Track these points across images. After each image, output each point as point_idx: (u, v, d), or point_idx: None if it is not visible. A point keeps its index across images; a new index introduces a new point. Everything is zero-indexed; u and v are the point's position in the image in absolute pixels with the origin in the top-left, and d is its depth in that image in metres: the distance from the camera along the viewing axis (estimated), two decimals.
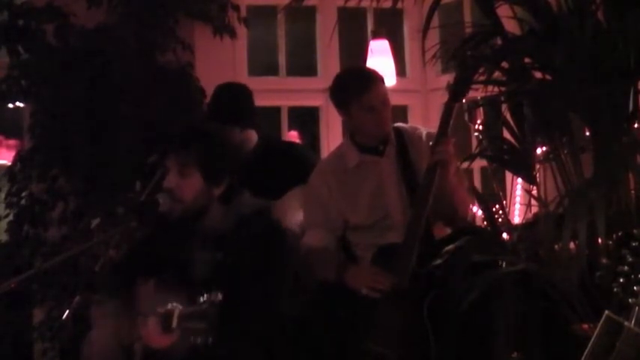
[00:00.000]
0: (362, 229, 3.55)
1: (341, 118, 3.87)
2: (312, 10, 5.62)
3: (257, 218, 3.11)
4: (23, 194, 4.87)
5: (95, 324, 3.10)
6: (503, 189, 4.17)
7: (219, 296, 2.60)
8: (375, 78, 3.56)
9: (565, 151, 3.34)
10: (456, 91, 3.44)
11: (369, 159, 3.59)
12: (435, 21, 3.64)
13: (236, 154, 3.25)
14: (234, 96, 4.08)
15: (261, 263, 3.00)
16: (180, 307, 2.65)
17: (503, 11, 3.48)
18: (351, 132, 3.68)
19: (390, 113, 3.58)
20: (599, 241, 3.03)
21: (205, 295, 2.61)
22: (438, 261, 3.20)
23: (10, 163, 5.02)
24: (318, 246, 3.53)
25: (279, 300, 3.04)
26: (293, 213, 3.76)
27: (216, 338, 2.67)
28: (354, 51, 5.54)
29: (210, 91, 4.73)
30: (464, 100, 3.53)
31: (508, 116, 3.54)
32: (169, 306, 2.67)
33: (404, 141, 3.61)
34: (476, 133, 4.00)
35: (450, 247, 3.19)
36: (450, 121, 3.43)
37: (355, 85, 3.54)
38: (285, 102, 5.62)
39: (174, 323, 2.63)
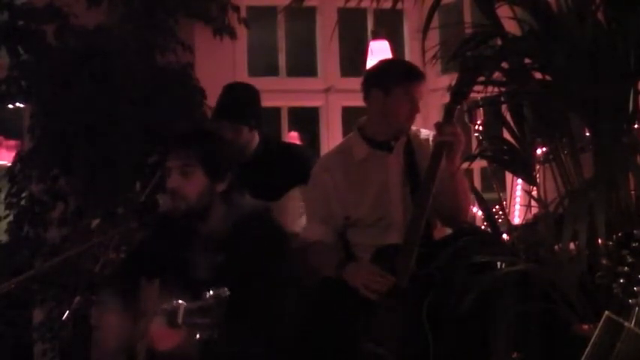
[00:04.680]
0: (362, 226, 3.55)
1: (363, 101, 3.74)
2: (312, 10, 5.63)
3: (258, 219, 3.11)
4: (23, 195, 4.88)
5: (97, 325, 3.10)
6: (504, 189, 4.17)
7: (227, 291, 2.59)
8: (424, 77, 3.63)
9: (565, 152, 3.34)
10: (458, 92, 3.44)
11: (377, 154, 3.60)
12: (435, 21, 3.63)
13: (236, 150, 3.26)
14: (248, 96, 4.09)
15: (263, 264, 3.00)
16: (185, 303, 2.64)
17: (503, 11, 3.47)
18: (360, 125, 3.68)
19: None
20: (599, 241, 3.02)
21: (212, 291, 2.61)
22: (438, 261, 3.20)
23: (10, 164, 5.02)
24: (317, 239, 3.53)
25: (282, 300, 3.04)
26: (293, 214, 3.76)
27: (222, 334, 2.68)
28: (354, 51, 5.54)
29: (210, 91, 4.74)
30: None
31: (508, 116, 3.54)
32: (174, 302, 2.66)
33: (410, 142, 3.62)
34: (476, 134, 4.00)
35: (450, 247, 3.19)
36: (453, 115, 3.45)
37: (409, 71, 3.60)
38: (285, 102, 5.62)
39: (180, 319, 2.63)
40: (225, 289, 2.59)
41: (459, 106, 3.48)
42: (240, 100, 4.06)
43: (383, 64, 3.78)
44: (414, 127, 3.75)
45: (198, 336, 2.60)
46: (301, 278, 3.36)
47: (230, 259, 3.00)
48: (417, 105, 3.59)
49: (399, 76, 3.58)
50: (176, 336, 2.73)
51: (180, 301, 2.63)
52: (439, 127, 3.44)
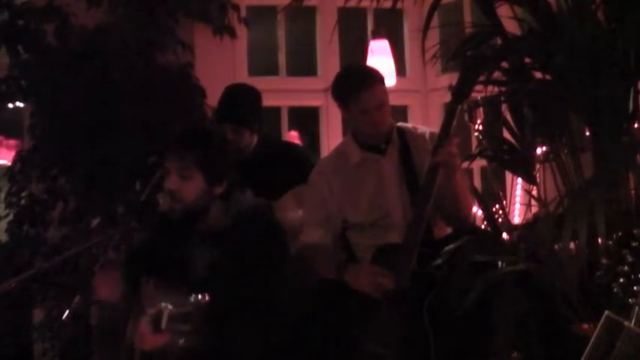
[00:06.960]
0: (362, 228, 3.55)
1: (342, 117, 3.84)
2: (312, 10, 5.62)
3: (255, 215, 3.11)
4: (23, 194, 4.87)
5: (97, 324, 3.11)
6: (503, 189, 4.17)
7: (207, 298, 2.60)
8: (371, 79, 3.51)
9: (565, 151, 3.35)
10: (459, 92, 3.43)
11: (370, 157, 3.59)
12: (435, 21, 3.64)
13: (234, 152, 3.26)
14: (251, 100, 4.07)
15: (259, 260, 3.00)
16: (170, 307, 2.64)
17: (503, 11, 3.48)
18: (353, 130, 3.68)
19: (388, 114, 3.55)
20: (599, 241, 3.03)
21: (193, 296, 2.61)
22: (438, 261, 3.20)
23: (10, 163, 5.02)
24: (316, 243, 3.53)
25: (278, 296, 3.04)
26: (292, 213, 3.76)
27: (206, 338, 2.68)
28: (354, 51, 5.54)
29: (210, 91, 4.75)
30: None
31: (508, 116, 3.54)
32: (160, 306, 2.66)
33: (406, 141, 3.61)
34: (476, 133, 4.00)
35: (450, 247, 3.19)
36: (452, 122, 3.43)
37: (351, 84, 3.52)
38: (285, 102, 5.62)
39: (164, 324, 2.63)
40: (206, 295, 2.59)
41: (460, 106, 3.47)
42: (243, 104, 4.04)
43: (335, 80, 3.65)
44: (409, 125, 3.74)
45: (180, 342, 2.61)
46: (301, 279, 3.36)
47: (227, 254, 3.01)
48: (379, 109, 3.47)
49: (347, 91, 3.50)
50: (159, 339, 2.74)
51: (166, 305, 2.63)
52: (434, 149, 3.40)
